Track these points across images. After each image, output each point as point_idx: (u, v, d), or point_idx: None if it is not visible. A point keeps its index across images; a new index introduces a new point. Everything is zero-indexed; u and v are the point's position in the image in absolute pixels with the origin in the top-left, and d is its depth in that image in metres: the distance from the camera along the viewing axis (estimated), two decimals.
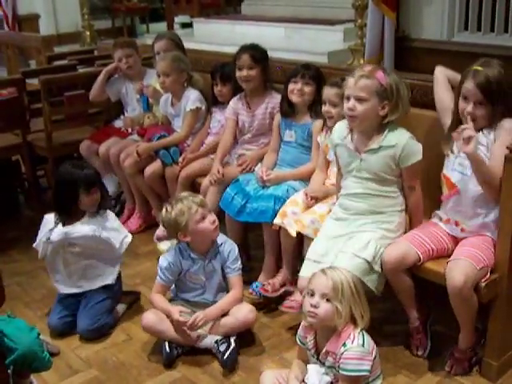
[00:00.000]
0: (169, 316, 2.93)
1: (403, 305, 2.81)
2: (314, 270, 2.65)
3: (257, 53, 3.61)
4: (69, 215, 3.18)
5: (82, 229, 3.15)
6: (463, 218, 2.70)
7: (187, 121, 4.04)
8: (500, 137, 2.59)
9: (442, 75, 2.92)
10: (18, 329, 2.34)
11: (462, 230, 2.71)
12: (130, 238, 3.31)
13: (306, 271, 2.78)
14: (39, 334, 2.46)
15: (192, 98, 4.03)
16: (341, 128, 2.86)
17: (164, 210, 2.99)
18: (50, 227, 3.18)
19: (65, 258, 3.20)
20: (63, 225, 3.17)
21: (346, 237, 2.78)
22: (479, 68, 2.60)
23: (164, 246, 3.67)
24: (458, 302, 2.54)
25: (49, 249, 3.18)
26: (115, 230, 3.26)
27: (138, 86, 4.35)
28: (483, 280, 2.54)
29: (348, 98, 2.70)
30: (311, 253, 2.84)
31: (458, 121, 2.68)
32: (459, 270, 2.51)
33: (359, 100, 2.66)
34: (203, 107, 4.07)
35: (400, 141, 2.70)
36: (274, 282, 3.27)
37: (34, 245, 3.24)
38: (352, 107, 2.67)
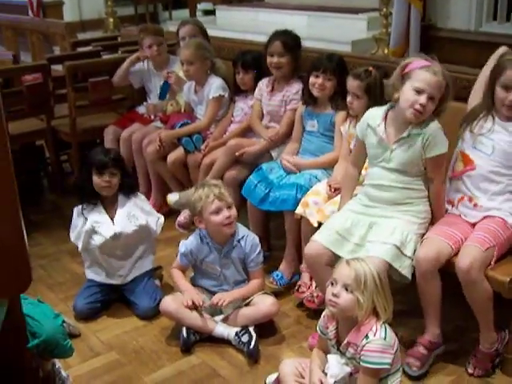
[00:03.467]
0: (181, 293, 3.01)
1: (427, 316, 2.73)
2: (332, 239, 2.73)
3: (289, 40, 3.61)
4: (91, 197, 3.20)
5: (123, 223, 3.18)
6: (477, 193, 2.72)
7: (210, 109, 4.04)
8: None
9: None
10: (43, 314, 2.37)
11: (475, 205, 2.73)
12: (162, 219, 3.36)
13: (321, 237, 2.79)
14: (63, 322, 2.49)
15: (215, 86, 4.03)
16: (376, 114, 2.81)
17: (194, 188, 3.02)
18: (86, 218, 3.19)
19: (106, 258, 3.22)
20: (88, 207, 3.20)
21: (372, 219, 2.76)
22: None
23: (173, 197, 3.85)
24: (469, 288, 2.54)
25: (92, 243, 3.19)
26: (150, 214, 3.30)
27: (164, 73, 4.34)
28: (492, 261, 2.56)
29: (420, 92, 2.61)
30: (332, 222, 2.83)
31: (488, 107, 2.75)
32: (465, 255, 2.54)
33: (431, 99, 2.63)
34: (226, 95, 4.06)
35: (427, 130, 2.68)
36: (304, 281, 3.21)
37: (73, 239, 3.26)
38: (425, 104, 2.61)
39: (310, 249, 2.82)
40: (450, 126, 2.91)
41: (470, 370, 2.71)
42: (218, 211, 2.92)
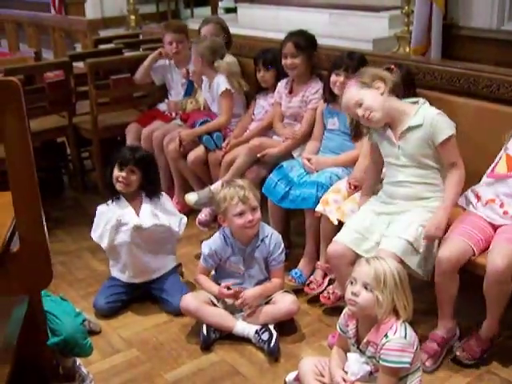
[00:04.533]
0: (216, 295, 3.00)
1: (441, 310, 2.76)
2: (353, 239, 2.76)
3: (301, 40, 3.60)
4: (111, 190, 3.23)
5: (147, 219, 3.18)
6: (510, 201, 2.68)
7: (223, 105, 4.06)
8: None
9: None
10: (64, 312, 2.40)
11: (505, 212, 2.68)
12: (185, 219, 3.37)
13: (342, 237, 2.81)
14: (84, 320, 2.51)
15: (221, 82, 4.05)
16: None
17: (221, 185, 3.00)
18: (110, 215, 3.19)
19: (132, 251, 3.22)
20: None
21: (390, 217, 2.79)
22: None
23: (192, 197, 3.77)
24: (495, 287, 2.51)
25: (118, 237, 3.19)
26: (172, 214, 3.31)
27: (184, 72, 4.36)
28: None
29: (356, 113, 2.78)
30: (353, 222, 2.85)
31: None
32: (501, 253, 2.50)
33: (360, 104, 2.75)
34: (232, 90, 4.06)
35: (426, 119, 2.71)
36: (316, 278, 3.27)
37: (95, 238, 3.25)
38: (363, 112, 2.75)
39: (332, 249, 2.83)
40: (473, 124, 2.90)
41: (458, 353, 2.71)
42: (241, 214, 2.92)
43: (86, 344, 2.48)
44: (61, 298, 2.57)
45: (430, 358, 2.72)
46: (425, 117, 2.72)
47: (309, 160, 3.42)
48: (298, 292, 3.23)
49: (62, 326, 2.35)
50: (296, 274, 3.32)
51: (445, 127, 2.70)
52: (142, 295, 3.32)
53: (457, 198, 2.77)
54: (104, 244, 3.22)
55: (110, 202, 3.25)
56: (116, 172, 3.20)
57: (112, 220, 3.17)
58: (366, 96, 2.75)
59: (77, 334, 2.40)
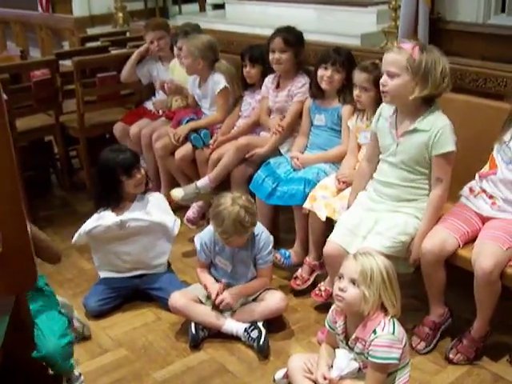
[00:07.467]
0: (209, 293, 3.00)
1: (431, 298, 2.80)
2: (344, 237, 2.77)
3: (290, 36, 3.59)
4: (116, 201, 3.21)
5: (135, 214, 3.18)
6: (497, 195, 2.69)
7: (220, 102, 4.04)
8: None
9: None
10: (50, 330, 2.36)
11: (493, 203, 2.69)
12: (179, 221, 3.35)
13: (335, 236, 2.82)
14: (70, 343, 2.46)
15: (219, 80, 4.02)
16: (390, 106, 2.81)
17: (231, 199, 2.89)
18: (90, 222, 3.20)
19: (120, 247, 3.22)
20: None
21: (378, 215, 2.79)
22: None
23: (178, 193, 3.76)
24: (484, 287, 2.52)
25: (98, 234, 3.18)
26: (166, 213, 3.29)
27: (160, 84, 4.35)
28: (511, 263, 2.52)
29: (383, 74, 2.67)
30: (344, 220, 2.86)
31: None
32: (487, 254, 2.50)
33: (390, 75, 2.63)
34: (230, 87, 4.05)
35: (435, 126, 2.65)
36: (302, 274, 3.27)
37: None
38: (384, 82, 2.66)
39: (327, 250, 2.84)
40: (460, 118, 2.90)
41: (451, 355, 2.72)
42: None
43: (66, 365, 2.44)
44: (52, 293, 2.56)
45: (422, 341, 2.79)
46: (434, 124, 2.65)
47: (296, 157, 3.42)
48: (287, 289, 3.25)
49: (43, 343, 2.31)
50: (285, 254, 3.34)
51: (448, 142, 2.65)
52: (133, 295, 3.30)
53: (435, 218, 2.75)
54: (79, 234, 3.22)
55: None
56: (129, 181, 3.18)
57: (89, 225, 3.19)
58: (400, 79, 2.60)
59: (57, 354, 2.35)
